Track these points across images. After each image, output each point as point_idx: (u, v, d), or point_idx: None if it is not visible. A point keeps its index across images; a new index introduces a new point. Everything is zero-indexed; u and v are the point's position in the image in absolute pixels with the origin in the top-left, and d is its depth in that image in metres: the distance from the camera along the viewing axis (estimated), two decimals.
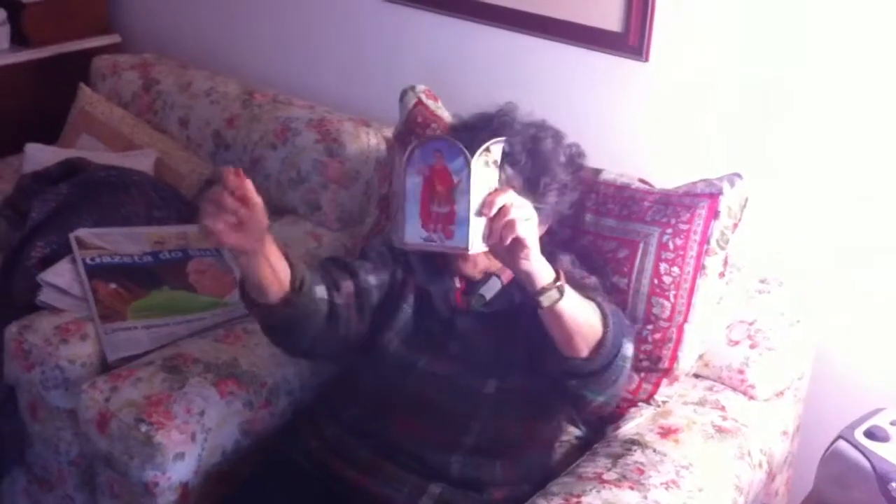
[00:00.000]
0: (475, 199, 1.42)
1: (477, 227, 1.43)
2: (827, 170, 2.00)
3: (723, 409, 1.88)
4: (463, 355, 1.76)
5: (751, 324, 1.91)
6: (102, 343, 2.03)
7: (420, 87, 2.21)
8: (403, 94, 2.21)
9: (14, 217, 2.40)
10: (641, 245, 1.85)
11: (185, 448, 1.81)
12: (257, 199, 1.43)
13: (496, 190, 1.45)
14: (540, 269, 1.48)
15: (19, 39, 3.12)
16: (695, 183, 1.86)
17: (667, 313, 1.82)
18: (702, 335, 1.88)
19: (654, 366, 1.85)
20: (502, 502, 1.73)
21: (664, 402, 1.88)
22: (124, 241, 2.28)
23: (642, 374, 1.85)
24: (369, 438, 1.76)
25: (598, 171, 1.98)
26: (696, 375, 1.97)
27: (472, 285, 1.78)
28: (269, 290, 1.57)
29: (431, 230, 1.43)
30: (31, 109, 3.11)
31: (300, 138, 2.55)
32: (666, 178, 1.96)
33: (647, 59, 2.17)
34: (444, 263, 1.79)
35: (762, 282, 1.96)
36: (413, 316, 1.81)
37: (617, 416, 1.86)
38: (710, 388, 1.94)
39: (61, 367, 2.00)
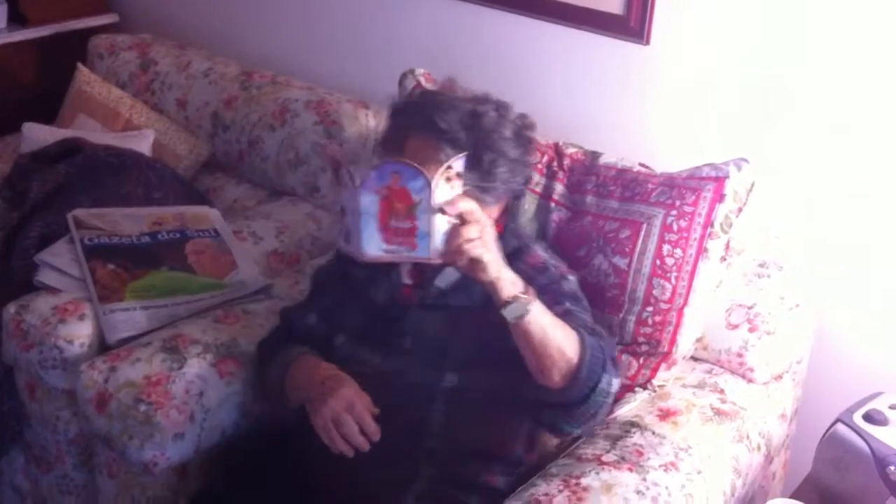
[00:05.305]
0: (439, 215, 1.45)
1: (439, 235, 1.46)
2: (828, 163, 2.00)
3: (721, 392, 1.88)
4: (417, 349, 1.69)
5: (750, 307, 1.91)
6: (101, 323, 2.03)
7: (419, 71, 2.21)
8: (403, 77, 2.21)
9: (12, 197, 2.40)
10: (644, 226, 1.84)
11: (184, 428, 1.82)
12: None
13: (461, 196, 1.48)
14: (503, 279, 1.47)
15: (17, 18, 3.10)
16: (699, 167, 1.86)
17: (667, 295, 1.82)
18: (700, 319, 1.88)
19: (654, 349, 1.85)
20: (492, 490, 1.69)
21: (661, 387, 1.88)
22: (122, 222, 2.27)
23: (641, 360, 1.85)
24: None
25: (597, 154, 1.98)
26: (695, 358, 1.97)
27: (424, 277, 1.72)
28: None
29: (394, 243, 1.47)
30: (29, 89, 3.11)
31: (299, 119, 2.54)
32: (666, 163, 1.96)
33: (647, 43, 2.16)
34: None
35: (762, 266, 1.96)
36: (361, 318, 1.76)
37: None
38: (709, 372, 1.94)
39: (59, 347, 2.00)
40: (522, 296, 1.47)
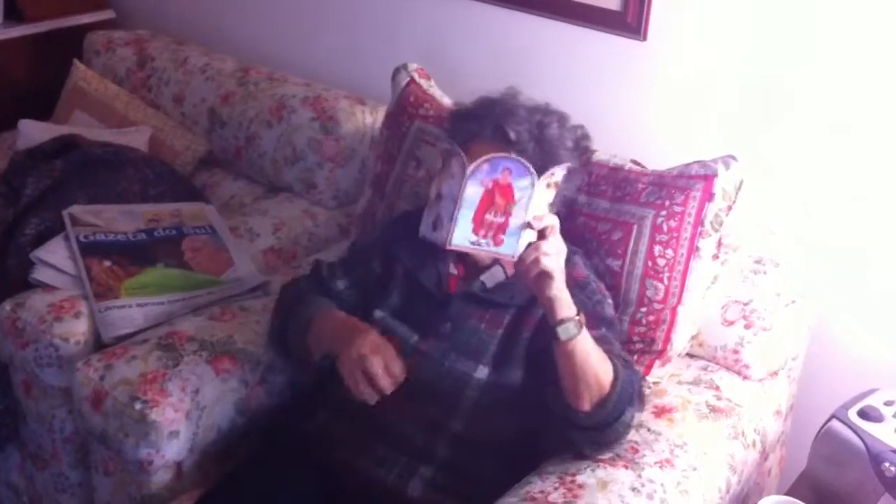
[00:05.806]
0: (531, 215, 1.51)
1: (524, 239, 1.52)
2: (827, 163, 2.00)
3: (717, 388, 1.88)
4: (456, 336, 1.73)
5: (746, 304, 1.91)
6: (97, 321, 2.03)
7: (412, 66, 2.20)
8: (396, 73, 2.21)
9: (8, 194, 2.38)
10: (635, 227, 1.84)
11: (179, 426, 1.81)
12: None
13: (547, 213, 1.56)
14: (562, 300, 1.53)
15: (14, 15, 3.09)
16: (689, 164, 1.86)
17: (660, 295, 1.82)
18: (694, 316, 1.88)
19: (648, 348, 1.85)
20: (496, 486, 1.69)
21: (655, 384, 1.88)
22: (119, 219, 2.27)
23: (635, 357, 1.85)
24: (357, 419, 1.73)
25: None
26: (691, 355, 1.97)
27: (472, 272, 1.77)
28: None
29: (481, 235, 1.53)
30: (25, 85, 3.10)
31: (295, 116, 2.54)
32: (664, 161, 1.95)
33: (644, 39, 2.16)
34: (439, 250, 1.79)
35: (758, 262, 1.96)
36: (403, 298, 1.80)
37: None
38: (705, 368, 1.94)
39: (55, 345, 2.00)
40: (576, 317, 1.53)
